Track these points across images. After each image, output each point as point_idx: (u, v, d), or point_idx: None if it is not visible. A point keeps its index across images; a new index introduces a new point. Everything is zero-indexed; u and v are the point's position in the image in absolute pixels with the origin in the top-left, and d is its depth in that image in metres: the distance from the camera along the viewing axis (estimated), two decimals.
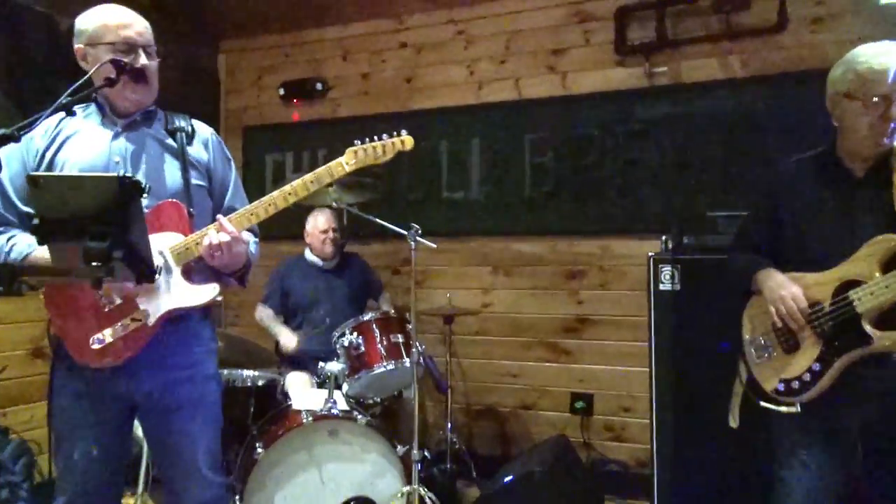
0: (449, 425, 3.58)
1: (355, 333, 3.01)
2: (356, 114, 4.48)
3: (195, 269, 1.94)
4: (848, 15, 3.40)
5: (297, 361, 3.56)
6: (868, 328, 1.83)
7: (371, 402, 3.29)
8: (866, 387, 1.88)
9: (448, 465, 3.52)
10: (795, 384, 1.93)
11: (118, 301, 1.85)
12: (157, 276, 1.55)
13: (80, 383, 1.89)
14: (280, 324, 3.66)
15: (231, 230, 1.87)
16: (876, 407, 1.88)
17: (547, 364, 4.00)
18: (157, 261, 1.86)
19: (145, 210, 1.88)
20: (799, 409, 1.93)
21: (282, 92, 4.65)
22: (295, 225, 3.90)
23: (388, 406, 3.44)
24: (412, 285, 2.83)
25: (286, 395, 3.16)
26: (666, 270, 3.00)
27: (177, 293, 1.87)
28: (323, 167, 1.97)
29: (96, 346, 1.81)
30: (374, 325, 3.05)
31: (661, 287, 3.01)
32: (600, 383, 3.87)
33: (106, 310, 1.85)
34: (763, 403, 2.00)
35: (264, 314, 3.74)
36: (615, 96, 3.84)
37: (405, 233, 2.83)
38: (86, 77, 1.70)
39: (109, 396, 1.90)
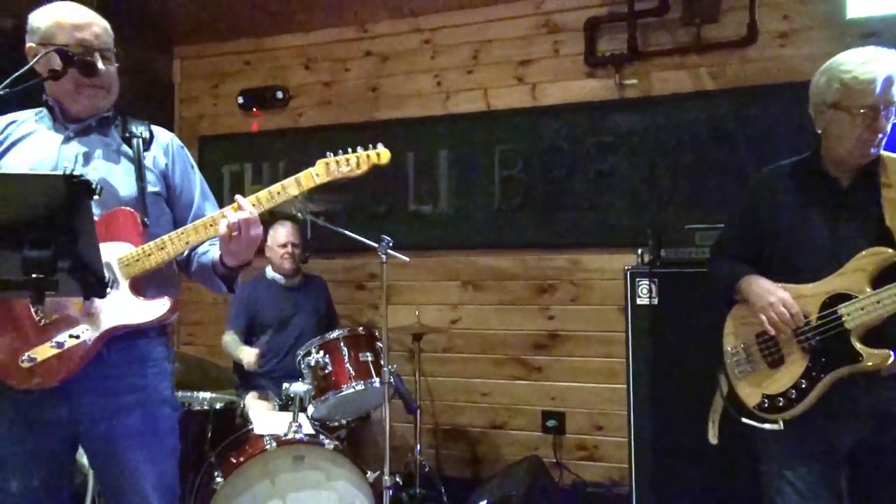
0: (418, 447, 3.42)
1: (322, 352, 2.84)
2: (319, 124, 4.33)
3: (146, 284, 1.77)
4: (815, 30, 3.42)
5: (256, 384, 3.36)
6: (857, 345, 1.76)
7: (336, 424, 3.12)
8: (856, 405, 1.80)
9: (417, 490, 3.37)
10: (780, 401, 1.85)
11: (55, 315, 1.65)
12: (108, 289, 1.37)
13: (10, 409, 1.69)
14: (240, 344, 3.45)
15: (250, 208, 1.71)
16: (866, 426, 1.80)
17: (517, 381, 3.89)
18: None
19: (95, 218, 1.72)
20: (782, 426, 1.85)
21: (240, 100, 4.47)
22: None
23: (354, 428, 3.27)
24: (383, 300, 2.68)
25: (246, 419, 2.97)
26: (643, 284, 2.93)
27: (123, 309, 1.69)
28: (291, 178, 1.82)
29: (25, 365, 1.60)
30: (342, 343, 2.89)
31: (639, 301, 2.94)
32: (572, 401, 3.78)
33: (41, 324, 1.65)
34: (745, 420, 1.91)
35: (228, 339, 3.48)
36: (585, 108, 3.79)
37: (375, 245, 2.68)
38: (25, 68, 1.52)
39: (46, 423, 1.70)
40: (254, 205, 1.77)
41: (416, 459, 3.41)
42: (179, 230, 1.77)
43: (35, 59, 1.53)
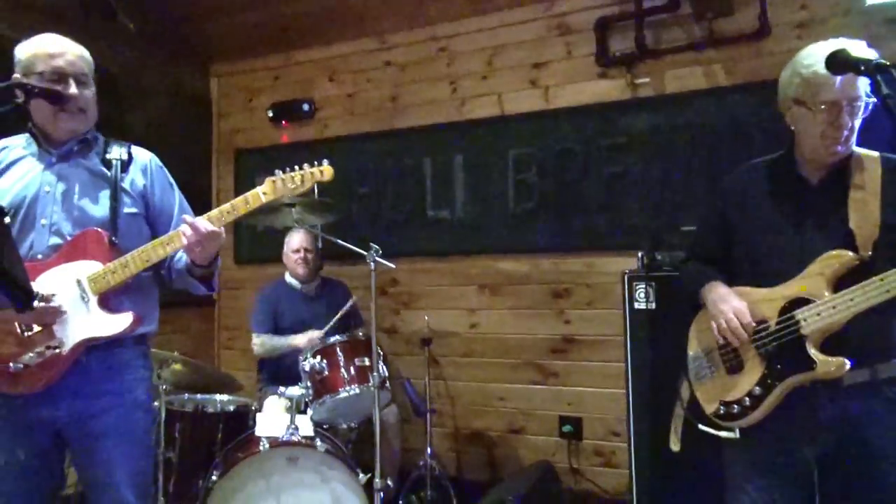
0: (429, 450, 3.47)
1: (318, 357, 2.94)
2: (343, 133, 4.45)
3: (118, 299, 1.91)
4: (834, 18, 3.26)
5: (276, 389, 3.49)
6: (812, 352, 1.68)
7: (345, 427, 3.21)
8: (819, 416, 1.72)
9: (428, 493, 3.42)
10: (735, 408, 1.79)
11: (37, 328, 1.82)
12: (34, 301, 1.50)
13: (2, 407, 1.86)
14: (283, 337, 3.56)
15: (206, 225, 1.87)
16: (832, 438, 1.73)
17: (534, 386, 3.87)
18: (73, 289, 1.85)
19: (67, 239, 1.89)
20: (738, 434, 1.79)
21: (270, 114, 4.66)
22: (280, 248, 3.87)
23: (365, 431, 3.34)
24: (372, 305, 2.75)
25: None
26: (640, 288, 2.88)
27: (92, 322, 1.84)
28: (240, 196, 1.94)
29: (11, 372, 1.77)
30: (339, 349, 2.98)
31: (636, 305, 2.89)
32: (589, 406, 3.73)
33: (25, 336, 1.82)
34: (702, 427, 1.87)
35: (262, 339, 3.61)
36: (597, 109, 3.74)
37: (364, 253, 2.75)
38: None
39: (30, 423, 1.87)
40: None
41: (426, 462, 3.45)
42: (141, 248, 1.90)
43: None
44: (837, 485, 1.77)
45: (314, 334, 3.39)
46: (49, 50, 1.90)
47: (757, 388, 1.76)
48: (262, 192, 1.93)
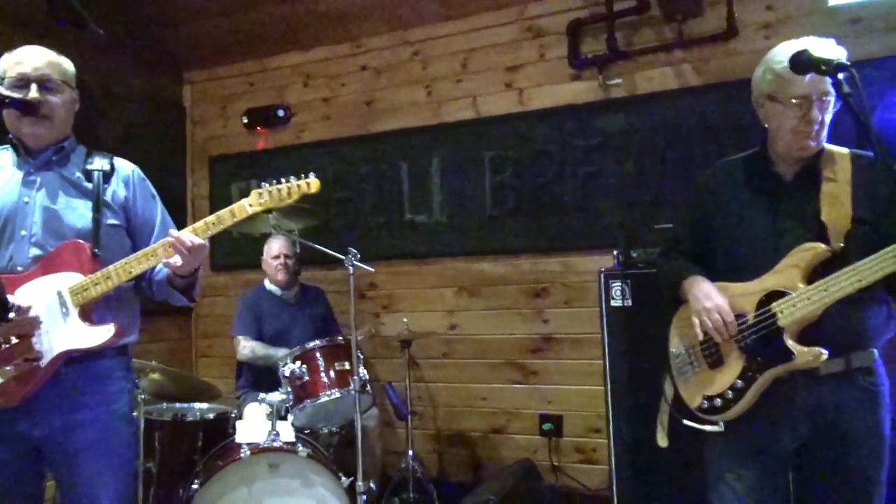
0: (410, 452, 3.48)
1: (298, 362, 2.94)
2: (319, 138, 4.45)
3: (99, 310, 1.90)
4: (798, 18, 3.34)
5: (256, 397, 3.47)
6: (790, 343, 1.72)
7: (326, 431, 3.21)
8: (797, 405, 1.77)
9: (410, 495, 3.43)
10: (718, 401, 1.83)
11: (14, 340, 1.80)
12: (10, 313, 1.49)
13: None
14: (273, 348, 3.50)
15: (192, 238, 1.86)
16: (808, 426, 1.77)
17: (515, 386, 3.90)
18: (53, 301, 1.83)
19: (48, 251, 1.87)
20: (722, 427, 1.83)
21: (245, 120, 4.63)
22: (259, 254, 3.85)
23: (346, 435, 3.34)
24: (351, 309, 2.76)
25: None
26: (616, 286, 2.92)
27: (72, 334, 1.82)
28: (226, 209, 1.93)
29: None
30: (318, 353, 2.98)
31: (613, 303, 2.93)
32: (569, 404, 3.77)
33: (2, 348, 1.80)
34: (686, 422, 1.90)
35: (252, 345, 3.54)
36: (571, 110, 3.78)
37: (342, 257, 2.76)
38: None
39: (8, 437, 1.84)
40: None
41: (409, 464, 3.46)
42: (123, 260, 1.88)
43: None
44: (813, 471, 1.82)
45: None
46: (17, 58, 1.90)
47: (738, 381, 1.80)
48: (248, 205, 1.93)
